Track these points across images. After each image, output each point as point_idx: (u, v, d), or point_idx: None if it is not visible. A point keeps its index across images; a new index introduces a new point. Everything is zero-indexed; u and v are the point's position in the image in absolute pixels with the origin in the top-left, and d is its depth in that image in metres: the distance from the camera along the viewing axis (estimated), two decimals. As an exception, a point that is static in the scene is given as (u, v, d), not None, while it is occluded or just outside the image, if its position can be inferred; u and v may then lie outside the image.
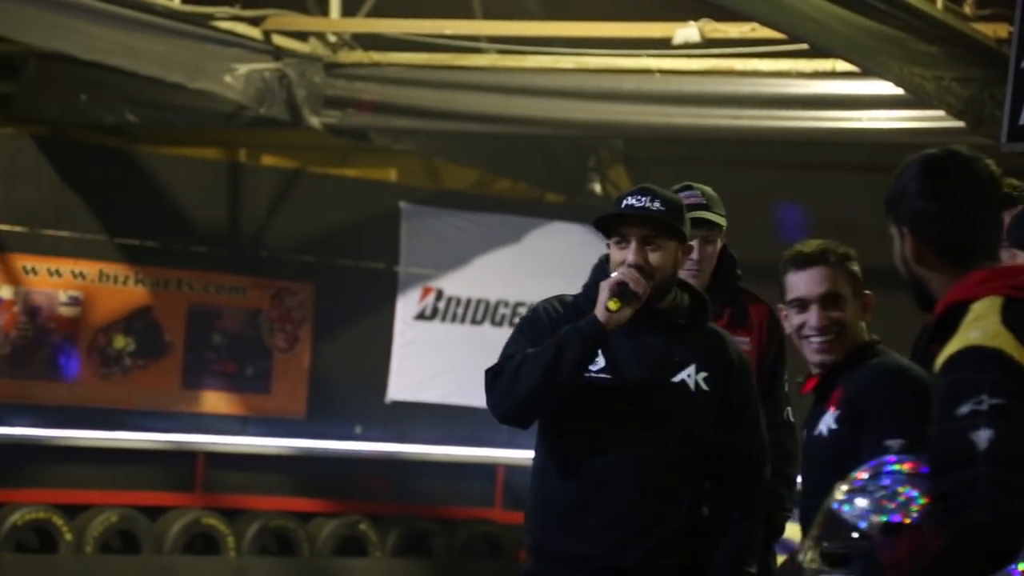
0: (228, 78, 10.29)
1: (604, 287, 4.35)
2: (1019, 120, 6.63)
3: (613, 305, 4.30)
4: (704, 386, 4.41)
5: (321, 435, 12.03)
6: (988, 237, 3.19)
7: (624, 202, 4.44)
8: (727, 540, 4.43)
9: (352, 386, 12.34)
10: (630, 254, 4.36)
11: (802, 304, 3.97)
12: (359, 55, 10.81)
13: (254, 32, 10.42)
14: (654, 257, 4.38)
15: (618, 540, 4.37)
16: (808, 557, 3.36)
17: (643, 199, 4.41)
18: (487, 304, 12.67)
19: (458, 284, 12.60)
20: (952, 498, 2.93)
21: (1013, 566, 3.12)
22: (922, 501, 3.14)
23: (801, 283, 3.97)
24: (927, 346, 3.33)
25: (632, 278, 4.33)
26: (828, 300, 3.95)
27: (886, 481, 3.28)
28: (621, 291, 4.34)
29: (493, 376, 4.45)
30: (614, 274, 4.38)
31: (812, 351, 3.96)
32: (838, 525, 3.33)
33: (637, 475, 4.36)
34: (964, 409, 2.94)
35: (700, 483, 4.45)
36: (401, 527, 11.94)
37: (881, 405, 3.84)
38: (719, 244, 5.66)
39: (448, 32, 10.49)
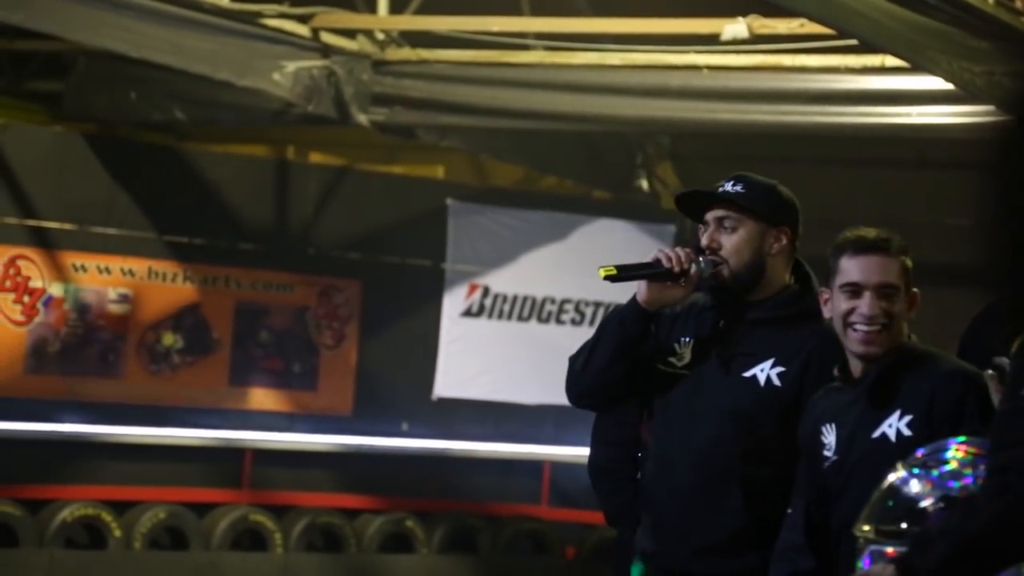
0: (276, 75, 10.31)
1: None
2: (1071, 114, 6.59)
3: (603, 271, 4.22)
4: (776, 381, 4.24)
5: (368, 432, 12.05)
6: None
7: (715, 190, 4.37)
8: None
9: (398, 383, 12.35)
10: (704, 237, 4.30)
11: (855, 290, 3.91)
12: (406, 52, 10.81)
13: (302, 29, 10.43)
14: (729, 239, 4.27)
15: (668, 537, 4.33)
16: (865, 529, 3.39)
17: (726, 184, 4.34)
18: (533, 301, 12.66)
19: (504, 281, 12.60)
20: (1009, 471, 3.00)
21: None
22: (979, 481, 3.20)
23: (857, 268, 3.91)
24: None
25: (667, 255, 4.24)
26: (882, 290, 3.91)
27: (946, 459, 3.33)
28: (641, 268, 4.26)
29: (572, 361, 4.44)
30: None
31: (856, 340, 3.91)
32: (897, 500, 3.36)
33: (689, 474, 4.28)
34: None
35: (766, 484, 4.26)
36: (447, 524, 11.95)
37: (973, 411, 3.81)
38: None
39: (495, 29, 10.48)
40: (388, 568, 11.75)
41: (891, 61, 9.39)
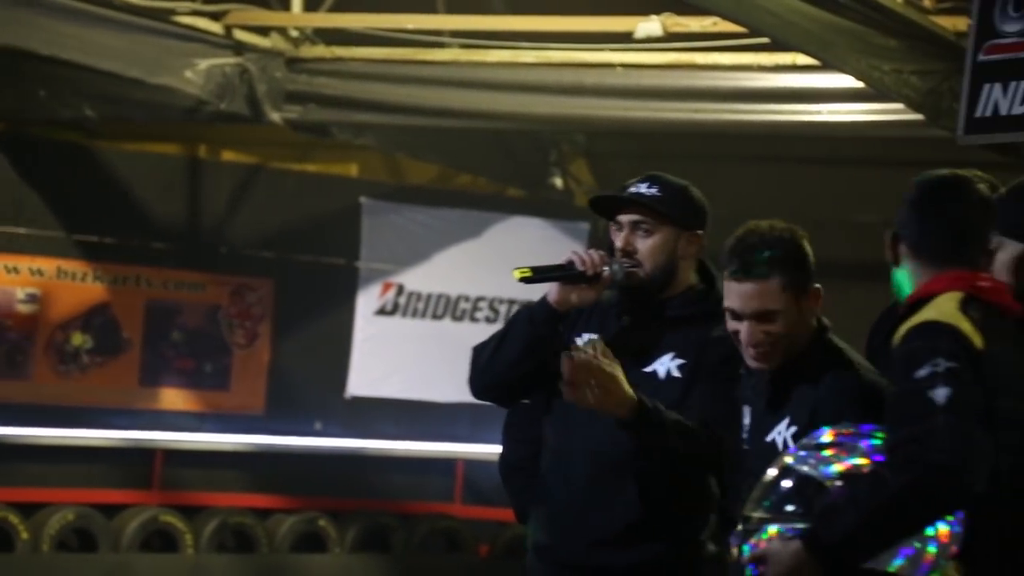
0: (188, 73, 10.23)
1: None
2: (975, 113, 6.66)
3: (517, 273, 4.24)
4: (676, 373, 4.29)
5: (280, 431, 12.00)
6: (967, 247, 3.56)
7: (627, 189, 4.39)
8: None
9: (311, 382, 12.31)
10: (619, 240, 4.32)
11: (735, 315, 3.87)
12: (321, 50, 10.77)
13: (215, 27, 10.37)
14: (644, 243, 4.30)
15: (562, 531, 4.33)
16: (756, 515, 3.47)
17: (640, 185, 4.36)
18: (448, 299, 12.65)
19: (419, 279, 12.58)
20: (914, 443, 3.21)
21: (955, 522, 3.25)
22: (863, 462, 3.30)
23: (734, 295, 3.86)
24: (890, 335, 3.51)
25: (580, 257, 4.27)
26: (761, 316, 3.84)
27: (823, 444, 3.44)
28: (555, 270, 4.27)
29: (473, 354, 4.48)
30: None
31: (748, 357, 3.90)
32: (791, 483, 3.46)
33: (585, 468, 4.29)
34: (922, 372, 3.27)
35: (664, 476, 4.28)
36: (360, 523, 11.92)
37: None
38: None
39: (410, 27, 10.47)
40: (301, 568, 11.70)
41: (802, 59, 9.46)
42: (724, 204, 13.19)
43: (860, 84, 9.12)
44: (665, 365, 4.30)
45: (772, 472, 3.51)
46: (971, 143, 7.13)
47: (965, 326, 3.36)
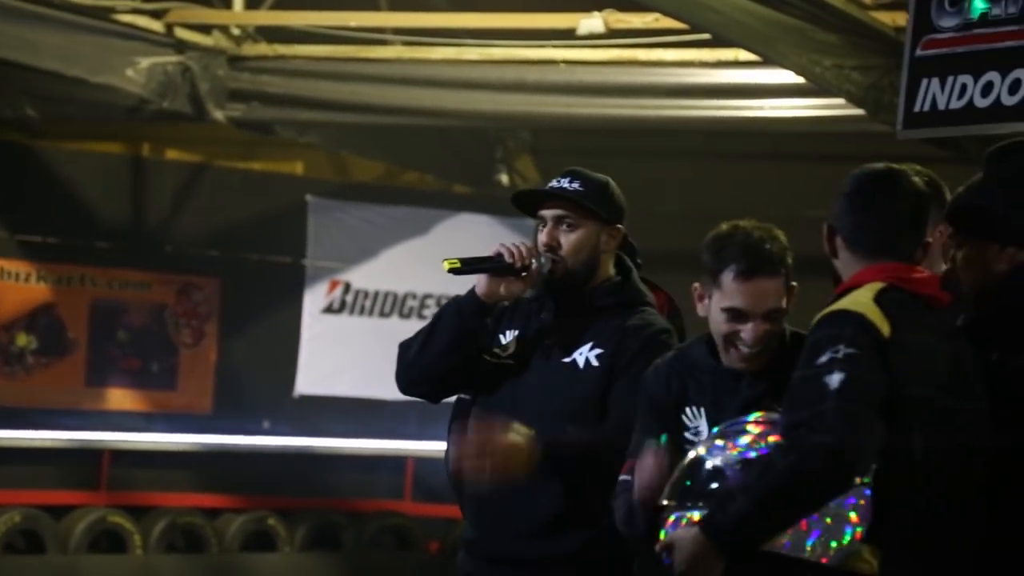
0: (130, 72, 10.20)
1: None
2: (914, 108, 6.70)
3: (447, 264, 4.28)
4: (594, 362, 4.32)
5: (228, 430, 11.96)
6: (897, 241, 3.60)
7: (549, 184, 4.44)
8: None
9: (259, 381, 12.28)
10: (543, 234, 4.36)
11: (739, 316, 3.78)
12: (263, 48, 10.75)
13: (156, 25, 10.34)
14: (567, 238, 4.35)
15: (488, 525, 4.36)
16: (668, 502, 3.56)
17: (563, 180, 4.40)
18: (395, 297, 12.65)
19: (366, 277, 12.57)
20: (802, 426, 3.30)
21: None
22: (773, 440, 3.37)
23: (743, 295, 3.75)
24: None
25: (509, 249, 4.31)
26: (770, 315, 3.78)
27: (744, 431, 3.49)
28: (484, 262, 4.31)
29: (400, 350, 4.48)
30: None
31: (737, 358, 3.82)
32: (699, 472, 3.53)
33: None
34: (823, 359, 3.35)
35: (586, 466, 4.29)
36: (310, 521, 11.89)
37: None
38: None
39: (352, 24, 10.47)
40: (250, 567, 11.67)
41: (745, 55, 9.51)
42: (671, 200, 13.24)
43: (802, 80, 9.17)
44: (584, 355, 4.34)
45: (686, 461, 3.58)
46: (910, 138, 7.17)
47: (874, 314, 3.42)
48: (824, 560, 3.36)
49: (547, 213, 4.38)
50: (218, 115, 10.68)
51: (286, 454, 12.05)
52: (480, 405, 4.43)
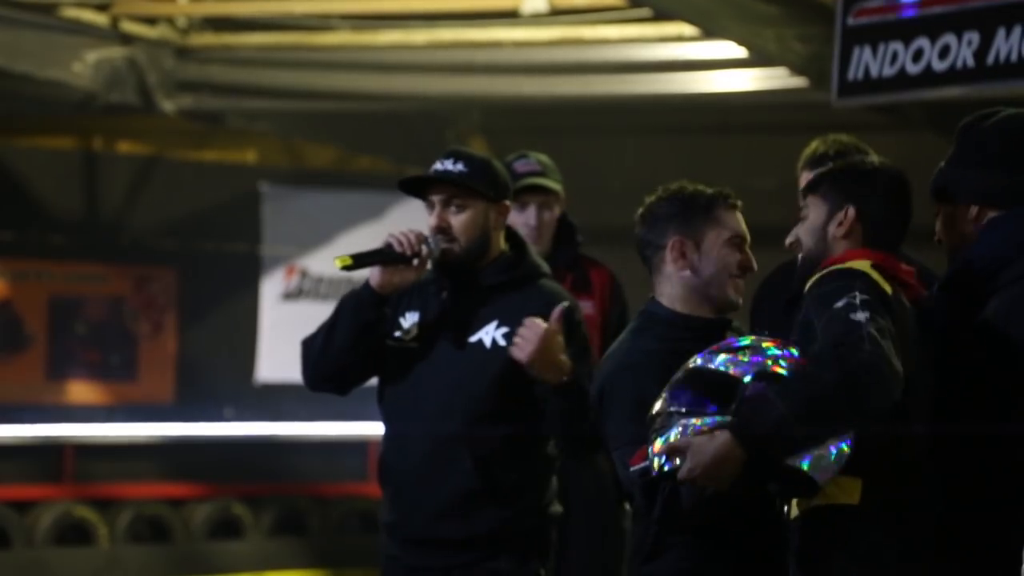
0: (77, 66, 10.21)
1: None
2: (847, 76, 6.80)
3: (339, 262, 4.34)
4: (501, 341, 4.36)
5: (190, 420, 11.99)
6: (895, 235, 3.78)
7: (433, 167, 4.47)
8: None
9: (220, 369, 12.32)
10: (432, 217, 4.41)
11: (743, 241, 3.92)
12: (210, 38, 10.76)
13: (101, 19, 10.33)
14: (457, 219, 4.38)
15: (405, 506, 4.40)
16: (671, 410, 3.53)
17: (446, 162, 4.44)
18: (352, 282, 12.66)
19: (323, 263, 12.60)
20: (843, 347, 3.38)
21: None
22: (784, 361, 3.48)
23: (741, 221, 3.93)
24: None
25: (398, 239, 4.36)
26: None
27: (743, 343, 3.57)
28: (377, 254, 4.36)
29: (303, 347, 4.52)
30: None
31: (737, 291, 3.95)
32: (703, 377, 3.53)
33: (420, 441, 4.36)
34: (840, 303, 3.46)
35: (497, 445, 4.36)
36: (275, 507, 11.95)
37: None
38: (557, 210, 5.78)
39: (298, 11, 10.48)
40: (217, 555, 11.72)
41: (689, 30, 9.56)
42: (620, 176, 13.29)
43: (745, 52, 9.24)
44: (490, 334, 4.39)
45: (679, 375, 3.58)
46: (845, 106, 7.26)
47: (876, 276, 3.56)
48: (803, 468, 3.40)
49: (435, 197, 4.42)
50: (167, 106, 10.70)
51: (249, 441, 12.09)
52: (388, 389, 4.48)
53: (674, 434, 3.48)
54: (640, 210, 4.01)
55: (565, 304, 4.33)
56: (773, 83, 9.75)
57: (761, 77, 9.81)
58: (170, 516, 11.59)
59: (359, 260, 4.36)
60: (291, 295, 12.56)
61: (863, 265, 3.60)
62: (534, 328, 4.23)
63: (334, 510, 12.15)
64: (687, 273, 3.91)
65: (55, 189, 11.84)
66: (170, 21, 10.66)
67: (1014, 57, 6.13)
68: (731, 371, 3.50)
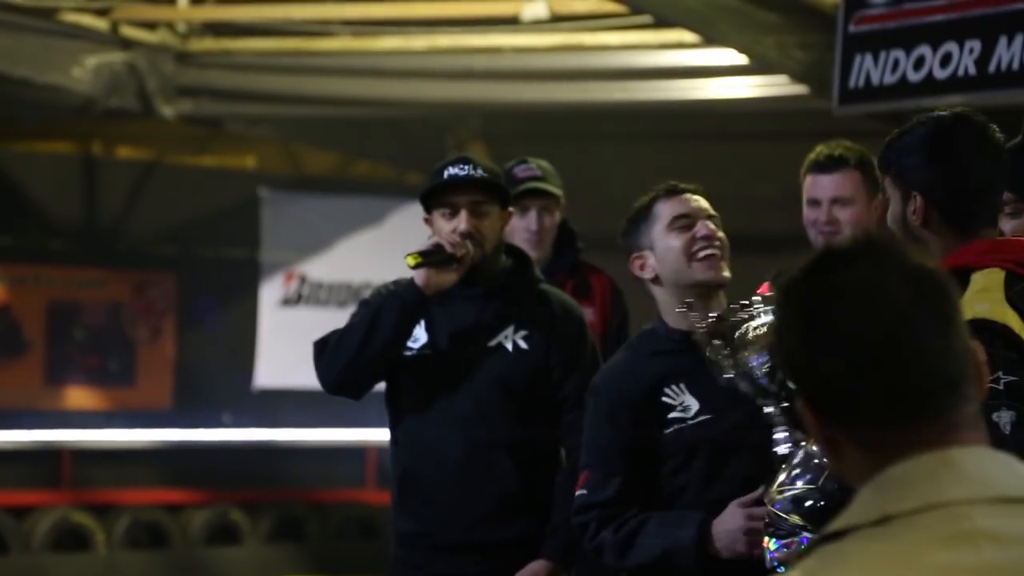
0: (77, 71, 10.19)
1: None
2: (848, 84, 6.78)
3: (411, 260, 4.27)
4: (524, 344, 4.35)
5: (188, 425, 11.98)
6: (992, 205, 3.30)
7: (447, 172, 4.40)
8: (555, 512, 4.30)
9: (218, 375, 12.30)
10: (462, 222, 4.33)
11: (688, 220, 3.83)
12: (210, 43, 10.76)
13: (101, 24, 10.33)
14: (484, 224, 4.36)
15: (439, 515, 4.35)
16: (791, 518, 3.30)
17: (465, 167, 4.39)
18: (351, 287, 12.68)
19: (321, 268, 12.60)
20: None
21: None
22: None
23: (683, 202, 3.86)
24: None
25: (451, 241, 4.30)
26: (711, 217, 3.91)
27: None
28: (435, 254, 4.31)
29: (320, 348, 4.44)
30: (431, 238, 4.35)
31: (708, 267, 3.86)
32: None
33: (455, 447, 4.32)
34: None
35: (534, 448, 4.35)
36: (273, 513, 11.93)
37: None
38: (557, 216, 5.76)
39: (298, 17, 10.48)
40: (215, 561, 11.70)
41: (689, 37, 9.55)
42: (619, 183, 13.27)
43: (746, 59, 9.23)
44: (510, 339, 4.37)
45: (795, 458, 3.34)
46: (846, 114, 7.25)
47: (1015, 324, 3.09)
48: None
49: (461, 200, 4.37)
50: (167, 111, 10.69)
51: (247, 447, 12.08)
52: (408, 397, 4.44)
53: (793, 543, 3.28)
54: None
55: None
56: (773, 91, 9.73)
57: (761, 85, 9.80)
58: (168, 522, 11.57)
59: (425, 258, 4.30)
60: (290, 301, 12.55)
61: (997, 301, 3.10)
62: None
63: (332, 516, 12.14)
64: (658, 282, 3.87)
65: (54, 194, 11.83)
66: (170, 26, 10.65)
67: (1016, 65, 6.11)
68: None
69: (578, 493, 3.82)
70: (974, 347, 1.75)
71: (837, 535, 1.67)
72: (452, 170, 4.39)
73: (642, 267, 3.87)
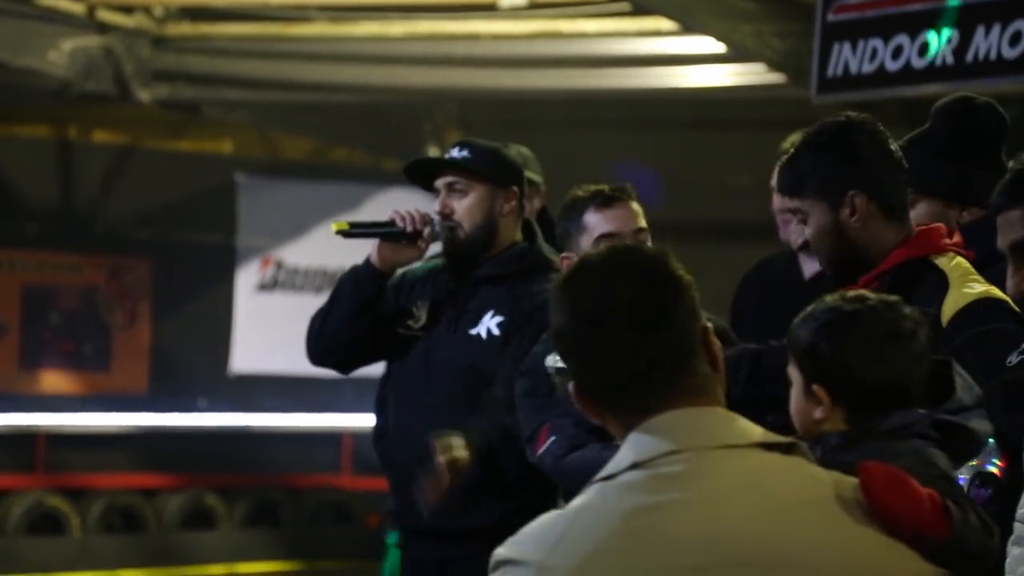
0: (53, 55, 10.16)
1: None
2: (827, 73, 6.80)
3: (336, 226, 4.32)
4: (496, 331, 4.35)
5: (164, 410, 11.96)
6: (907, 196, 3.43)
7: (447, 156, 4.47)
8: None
9: (194, 360, 12.29)
10: (436, 203, 4.38)
11: (611, 239, 3.86)
12: (187, 28, 10.74)
13: (78, 8, 10.30)
14: (460, 203, 4.36)
15: (407, 500, 4.36)
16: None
17: (453, 150, 4.43)
18: (327, 273, 12.67)
19: (298, 254, 12.59)
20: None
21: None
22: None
23: (612, 218, 3.88)
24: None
25: (401, 215, 4.33)
26: (638, 235, 3.91)
27: None
28: (373, 226, 4.34)
29: (312, 321, 4.56)
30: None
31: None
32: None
33: (420, 433, 4.30)
34: (1013, 359, 3.06)
35: (499, 436, 4.28)
36: (248, 498, 11.93)
37: None
38: (537, 202, 5.76)
39: (275, 2, 10.46)
40: (190, 545, 11.69)
41: (666, 24, 9.57)
42: (596, 170, 13.23)
43: (723, 47, 9.25)
44: (486, 325, 4.38)
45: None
46: (824, 103, 7.26)
47: (1004, 297, 3.20)
48: None
49: (439, 182, 4.40)
50: (144, 96, 10.67)
51: (223, 432, 12.07)
52: (393, 379, 4.48)
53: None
54: None
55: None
56: (751, 79, 9.76)
57: (739, 73, 9.82)
58: (143, 506, 11.56)
59: (357, 228, 4.32)
60: (266, 286, 12.54)
61: (980, 281, 3.22)
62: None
63: (307, 501, 12.14)
64: None
65: (29, 178, 11.80)
66: (147, 10, 10.63)
67: (992, 55, 6.14)
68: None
69: (542, 450, 3.82)
70: (705, 327, 2.15)
71: (606, 479, 2.11)
72: (447, 154, 4.46)
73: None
